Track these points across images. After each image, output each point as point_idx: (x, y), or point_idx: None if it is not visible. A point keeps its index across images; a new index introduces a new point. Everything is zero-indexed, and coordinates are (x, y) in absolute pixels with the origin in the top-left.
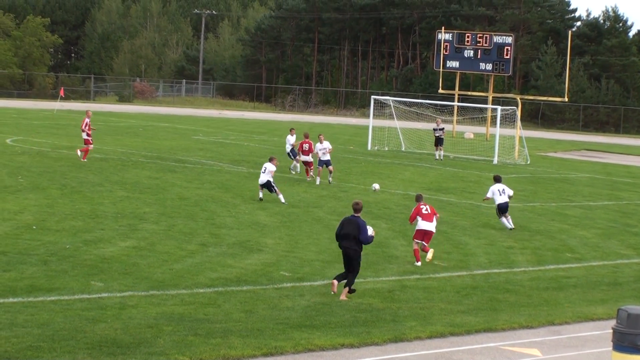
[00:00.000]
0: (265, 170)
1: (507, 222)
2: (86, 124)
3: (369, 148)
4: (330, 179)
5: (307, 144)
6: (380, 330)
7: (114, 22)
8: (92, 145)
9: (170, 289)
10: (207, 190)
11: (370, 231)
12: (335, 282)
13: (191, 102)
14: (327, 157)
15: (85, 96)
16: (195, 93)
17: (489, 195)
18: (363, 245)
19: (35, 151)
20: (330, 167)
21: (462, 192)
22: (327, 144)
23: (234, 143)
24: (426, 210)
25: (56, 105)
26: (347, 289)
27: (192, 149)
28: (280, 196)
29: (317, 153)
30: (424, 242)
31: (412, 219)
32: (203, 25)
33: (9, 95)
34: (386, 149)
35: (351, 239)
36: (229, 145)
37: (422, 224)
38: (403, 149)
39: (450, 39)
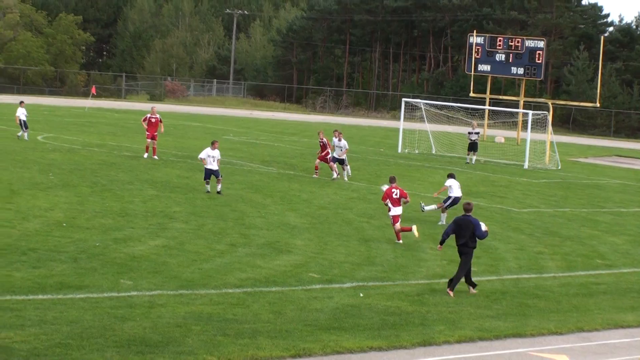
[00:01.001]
0: (214, 159)
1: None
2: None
3: (400, 151)
4: (346, 178)
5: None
6: (409, 333)
7: (145, 20)
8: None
9: (199, 289)
10: (237, 190)
11: (483, 227)
12: (468, 285)
13: (222, 102)
14: (344, 156)
15: (116, 94)
16: (226, 93)
17: (448, 184)
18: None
19: (66, 148)
20: (347, 167)
21: (492, 197)
22: (344, 143)
23: (265, 144)
24: (396, 195)
25: (87, 103)
26: (468, 282)
27: (222, 148)
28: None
29: (332, 147)
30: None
31: (384, 199)
32: (235, 25)
33: (40, 92)
34: (417, 151)
35: (468, 237)
36: (259, 146)
37: (393, 210)
38: (434, 152)
39: (482, 42)
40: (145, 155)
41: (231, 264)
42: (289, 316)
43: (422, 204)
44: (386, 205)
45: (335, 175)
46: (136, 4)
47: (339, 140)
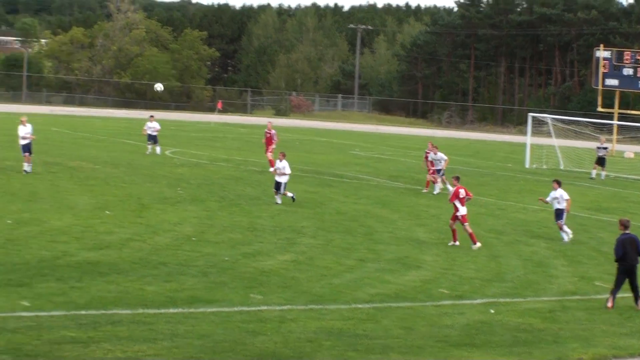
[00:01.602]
0: (281, 170)
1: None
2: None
3: (527, 166)
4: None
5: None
6: (542, 351)
7: (270, 36)
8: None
9: (329, 304)
10: (365, 205)
11: None
12: (612, 298)
13: (347, 117)
14: (440, 167)
15: (242, 109)
16: (352, 108)
17: (558, 195)
18: None
19: (194, 163)
20: (443, 178)
21: (623, 213)
22: (441, 155)
23: (391, 158)
24: (463, 195)
25: (213, 118)
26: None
27: (349, 163)
28: (290, 194)
29: (431, 161)
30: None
31: (452, 200)
32: (359, 40)
33: (167, 108)
34: (544, 167)
35: (634, 254)
36: (385, 161)
37: (462, 209)
38: (562, 167)
39: (609, 56)
40: (271, 169)
41: (360, 279)
42: (419, 332)
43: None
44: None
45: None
46: (260, 20)
47: (435, 153)
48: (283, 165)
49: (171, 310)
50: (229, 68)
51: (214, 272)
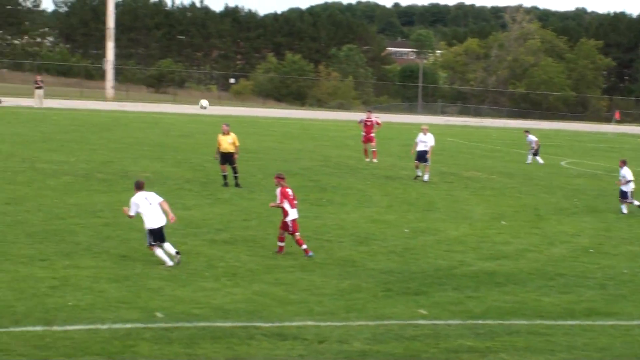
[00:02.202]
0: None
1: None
2: None
3: None
4: None
5: None
6: None
7: None
8: None
9: None
10: None
11: None
12: None
13: None
14: None
15: (639, 119)
16: None
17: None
18: None
19: (590, 174)
20: None
21: None
22: None
23: None
24: None
25: (610, 129)
26: None
27: None
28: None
29: None
30: None
31: None
32: None
33: (562, 118)
34: None
35: None
36: None
37: None
38: None
39: None
40: None
41: None
42: None
43: None
44: None
45: None
46: None
47: None
48: (624, 173)
49: (569, 322)
50: (626, 77)
51: (612, 285)
